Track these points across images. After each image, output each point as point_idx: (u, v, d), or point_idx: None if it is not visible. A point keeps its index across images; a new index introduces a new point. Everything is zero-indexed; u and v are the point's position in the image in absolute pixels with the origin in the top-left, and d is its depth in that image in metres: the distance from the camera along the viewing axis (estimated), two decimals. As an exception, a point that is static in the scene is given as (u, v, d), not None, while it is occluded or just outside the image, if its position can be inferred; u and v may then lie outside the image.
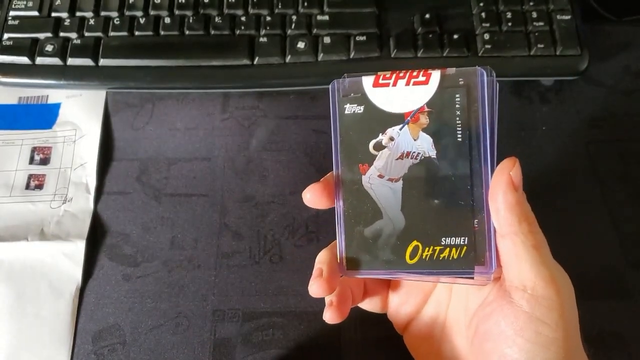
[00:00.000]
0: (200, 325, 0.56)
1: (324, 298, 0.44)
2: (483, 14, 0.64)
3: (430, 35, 0.64)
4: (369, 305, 0.49)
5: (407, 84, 0.40)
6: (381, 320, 0.51)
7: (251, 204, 0.61)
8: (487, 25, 0.64)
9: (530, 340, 0.36)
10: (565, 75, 0.64)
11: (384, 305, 0.50)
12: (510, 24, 0.63)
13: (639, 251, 0.58)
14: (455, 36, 0.63)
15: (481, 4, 0.65)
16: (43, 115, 0.67)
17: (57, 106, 0.68)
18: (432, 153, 0.40)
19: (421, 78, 0.40)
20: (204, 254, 0.59)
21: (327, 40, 0.64)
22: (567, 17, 0.63)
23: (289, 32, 0.65)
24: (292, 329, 0.55)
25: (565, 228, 0.59)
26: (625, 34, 0.70)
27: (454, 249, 0.39)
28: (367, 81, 0.41)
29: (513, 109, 0.65)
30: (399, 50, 0.63)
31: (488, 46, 0.63)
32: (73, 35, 0.66)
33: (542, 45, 0.62)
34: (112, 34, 0.66)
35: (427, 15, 0.65)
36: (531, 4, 0.64)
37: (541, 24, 0.63)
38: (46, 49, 0.65)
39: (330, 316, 0.44)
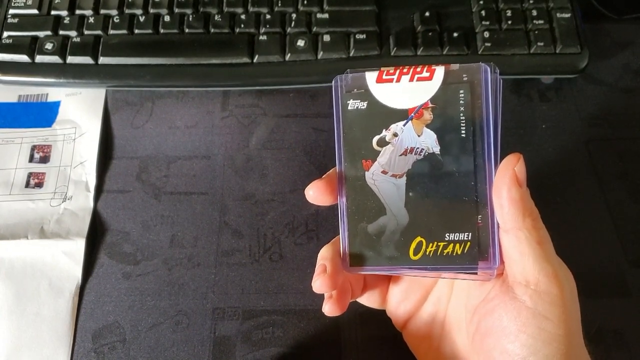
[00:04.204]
0: (200, 323, 0.56)
1: (323, 294, 0.44)
2: (483, 12, 0.64)
3: (430, 34, 0.64)
4: (368, 300, 0.49)
5: (411, 79, 0.40)
6: (381, 318, 0.51)
7: (251, 202, 0.61)
8: (487, 23, 0.64)
9: (532, 336, 0.36)
10: (565, 73, 0.65)
11: (382, 301, 0.50)
12: (510, 22, 0.63)
13: (638, 249, 0.58)
14: (455, 34, 0.63)
15: (481, 2, 0.65)
16: (43, 114, 0.67)
17: (56, 104, 0.68)
18: (436, 149, 0.40)
19: (425, 74, 0.40)
20: (203, 252, 0.59)
21: (326, 38, 0.64)
22: (567, 15, 0.64)
23: (288, 30, 0.65)
24: (292, 327, 0.55)
25: (564, 226, 0.59)
26: (625, 32, 0.70)
27: (457, 245, 0.39)
28: (371, 77, 0.41)
29: (513, 107, 0.66)
30: (399, 49, 0.63)
31: (488, 44, 0.63)
32: (73, 33, 0.66)
33: (542, 44, 0.62)
34: (111, 32, 0.66)
35: (427, 14, 0.65)
36: (531, 2, 0.64)
37: (541, 22, 0.63)
38: (46, 47, 0.65)
39: (329, 309, 0.44)
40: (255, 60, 0.64)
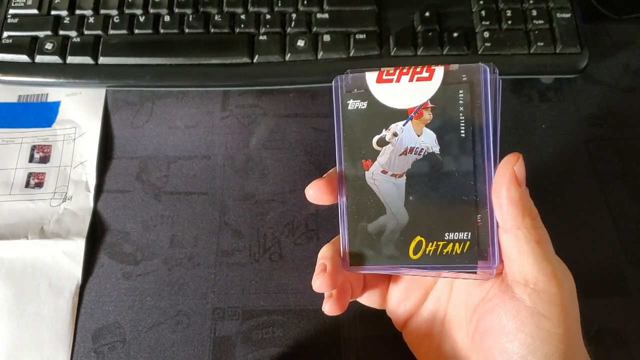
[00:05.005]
0: (200, 323, 0.56)
1: (323, 294, 0.44)
2: (483, 12, 0.64)
3: (430, 34, 0.64)
4: (368, 300, 0.50)
5: (411, 79, 0.40)
6: (381, 317, 0.51)
7: (251, 202, 0.61)
8: (487, 23, 0.64)
9: (531, 334, 0.36)
10: (565, 73, 0.65)
11: (382, 301, 0.50)
12: (510, 22, 0.63)
13: (638, 249, 0.58)
14: (455, 34, 0.63)
15: (481, 2, 0.65)
16: (43, 114, 0.67)
17: (56, 104, 0.68)
18: (436, 149, 0.40)
19: (424, 74, 0.40)
20: (203, 252, 0.59)
21: (326, 38, 0.64)
22: (567, 15, 0.63)
23: (288, 30, 0.65)
24: (292, 327, 0.55)
25: (564, 226, 0.59)
26: (625, 32, 0.70)
27: (457, 244, 0.39)
28: (371, 77, 0.41)
29: (513, 107, 0.65)
30: (399, 49, 0.63)
31: (488, 44, 0.63)
32: (73, 33, 0.66)
33: (542, 44, 0.62)
34: (111, 32, 0.66)
35: (427, 14, 0.65)
36: (531, 2, 0.64)
37: (541, 22, 0.63)
38: (46, 47, 0.65)
39: (329, 308, 0.44)
40: (255, 60, 0.64)
